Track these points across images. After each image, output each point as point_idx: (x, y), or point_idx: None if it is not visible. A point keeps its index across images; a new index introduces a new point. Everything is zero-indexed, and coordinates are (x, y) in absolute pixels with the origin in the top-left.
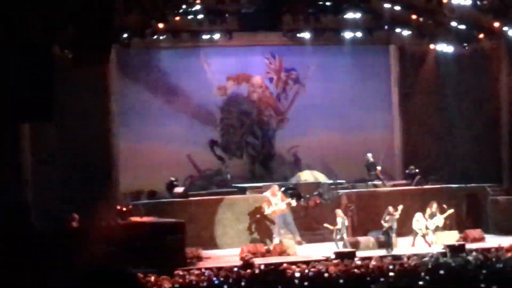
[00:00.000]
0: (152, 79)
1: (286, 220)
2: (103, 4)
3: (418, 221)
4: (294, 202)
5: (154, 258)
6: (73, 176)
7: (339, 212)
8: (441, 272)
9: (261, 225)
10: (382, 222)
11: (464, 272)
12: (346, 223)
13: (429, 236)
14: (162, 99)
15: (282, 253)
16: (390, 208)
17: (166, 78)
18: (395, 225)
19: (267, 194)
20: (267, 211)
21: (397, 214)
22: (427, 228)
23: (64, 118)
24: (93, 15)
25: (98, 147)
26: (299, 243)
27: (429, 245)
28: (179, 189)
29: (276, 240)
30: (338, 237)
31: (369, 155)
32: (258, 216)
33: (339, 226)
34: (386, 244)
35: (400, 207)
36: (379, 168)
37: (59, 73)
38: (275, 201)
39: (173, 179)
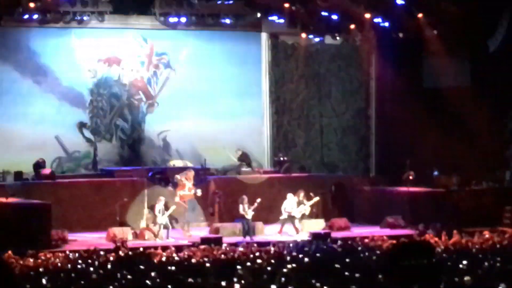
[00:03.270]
0: (22, 58)
1: (194, 207)
2: None
3: (290, 204)
4: (199, 192)
5: (18, 240)
6: None
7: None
8: (306, 259)
9: (128, 209)
10: (240, 211)
11: (328, 260)
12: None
13: (296, 223)
14: (31, 79)
15: (150, 237)
16: (245, 198)
17: (36, 58)
18: (250, 214)
19: (181, 177)
20: (179, 193)
21: (252, 208)
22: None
23: None
24: None
25: None
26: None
27: (297, 232)
28: (46, 171)
29: (142, 224)
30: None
31: (238, 150)
32: (125, 199)
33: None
34: (245, 231)
35: (258, 200)
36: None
37: None
38: (189, 186)
39: (40, 160)
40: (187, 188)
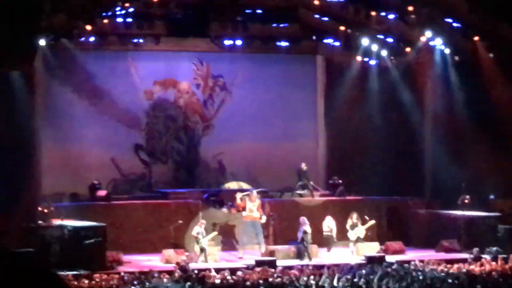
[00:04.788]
0: (78, 81)
1: (256, 229)
2: (30, 4)
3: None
4: (264, 219)
5: (73, 261)
6: None
7: (305, 219)
8: (361, 283)
9: (182, 231)
10: (298, 233)
11: (384, 283)
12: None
13: (350, 246)
14: (88, 101)
15: (205, 259)
16: (303, 219)
17: (93, 80)
18: (309, 236)
19: (243, 197)
20: (243, 213)
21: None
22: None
23: None
24: (19, 15)
25: (21, 147)
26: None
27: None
28: (101, 192)
29: (197, 247)
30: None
31: (303, 164)
32: (180, 221)
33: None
34: (301, 254)
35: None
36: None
37: None
38: (250, 207)
39: (95, 182)
40: (248, 209)
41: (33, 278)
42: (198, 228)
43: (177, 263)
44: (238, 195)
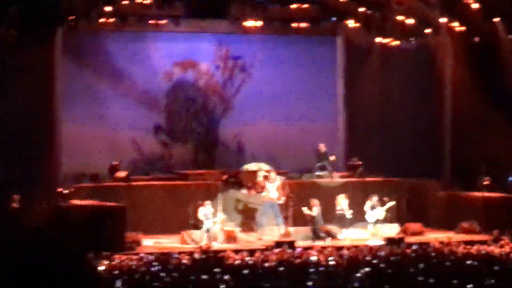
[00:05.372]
0: (98, 62)
1: (274, 210)
2: None
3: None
4: (283, 200)
5: (93, 242)
6: (15, 157)
7: (315, 201)
8: (381, 264)
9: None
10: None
11: (402, 265)
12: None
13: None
14: (108, 82)
15: (225, 240)
16: (315, 201)
17: (112, 61)
18: (319, 216)
19: (265, 177)
20: (263, 194)
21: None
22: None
23: (6, 98)
24: None
25: (41, 128)
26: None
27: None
28: (121, 173)
29: (216, 227)
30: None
31: (322, 145)
32: (199, 202)
33: (314, 213)
34: (317, 235)
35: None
36: (332, 158)
37: (4, 52)
38: (269, 188)
39: (115, 163)
40: (267, 190)
41: (61, 258)
42: (203, 210)
43: (201, 247)
44: (260, 173)
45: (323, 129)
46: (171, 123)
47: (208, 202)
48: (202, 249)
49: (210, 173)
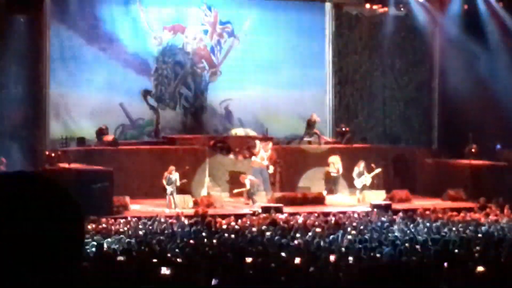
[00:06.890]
0: (87, 25)
1: (263, 176)
2: None
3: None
4: (271, 169)
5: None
6: (2, 121)
7: (244, 176)
8: (366, 229)
9: (189, 177)
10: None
11: (388, 231)
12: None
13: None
14: (96, 46)
15: (210, 205)
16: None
17: (102, 25)
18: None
19: (259, 145)
20: (252, 158)
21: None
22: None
23: None
24: None
25: (29, 92)
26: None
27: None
28: (108, 137)
29: (203, 192)
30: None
31: (315, 115)
32: (187, 167)
33: (248, 187)
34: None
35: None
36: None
37: None
38: (262, 155)
39: (103, 126)
40: (260, 157)
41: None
42: (168, 176)
43: (197, 211)
44: (258, 143)
45: (311, 95)
46: (159, 87)
47: (172, 168)
48: (198, 213)
49: (197, 138)
